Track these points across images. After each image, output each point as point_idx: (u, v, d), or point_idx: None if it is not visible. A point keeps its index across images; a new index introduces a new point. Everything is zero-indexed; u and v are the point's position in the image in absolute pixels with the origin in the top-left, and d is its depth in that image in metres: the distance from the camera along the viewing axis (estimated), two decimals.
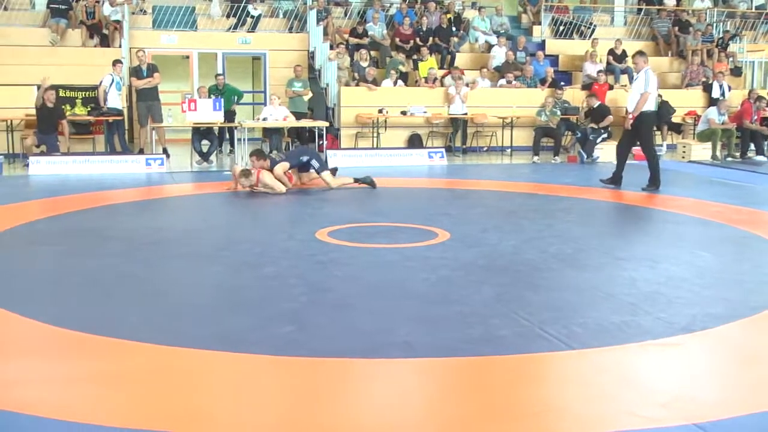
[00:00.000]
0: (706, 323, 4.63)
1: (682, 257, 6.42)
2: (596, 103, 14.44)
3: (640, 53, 10.76)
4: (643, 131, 10.49)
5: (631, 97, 10.60)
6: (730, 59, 19.07)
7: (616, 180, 10.69)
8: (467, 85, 15.73)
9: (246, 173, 9.81)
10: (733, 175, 12.47)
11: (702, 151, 14.76)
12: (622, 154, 10.82)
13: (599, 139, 14.20)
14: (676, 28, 19.44)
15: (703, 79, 17.74)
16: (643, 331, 4.48)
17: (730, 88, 17.15)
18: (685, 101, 17.11)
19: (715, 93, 16.78)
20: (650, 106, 10.48)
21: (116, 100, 13.82)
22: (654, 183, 10.45)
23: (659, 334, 4.44)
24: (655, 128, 16.61)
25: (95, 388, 3.70)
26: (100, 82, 13.75)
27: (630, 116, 10.42)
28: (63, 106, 13.49)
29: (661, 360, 4.10)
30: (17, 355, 4.14)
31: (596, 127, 14.24)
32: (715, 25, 20.54)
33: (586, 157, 14.08)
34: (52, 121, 12.86)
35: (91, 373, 3.87)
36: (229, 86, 15.02)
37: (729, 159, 14.88)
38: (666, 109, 15.41)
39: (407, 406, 3.53)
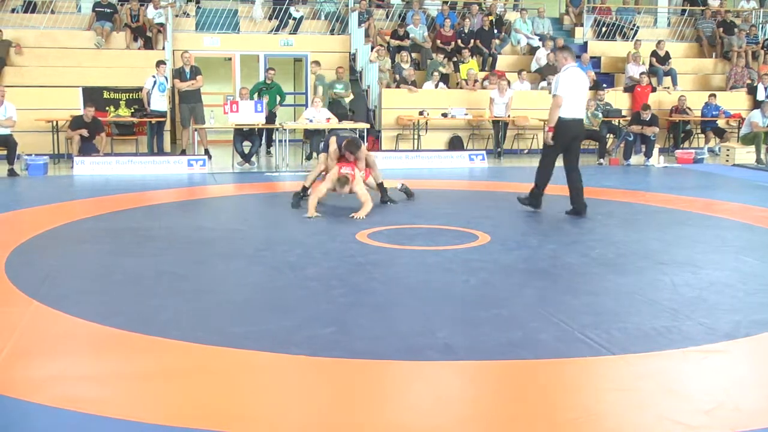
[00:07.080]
0: (750, 330, 4.57)
1: (726, 262, 6.34)
2: (650, 115, 14.39)
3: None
4: None
5: None
6: None
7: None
8: (509, 85, 15.65)
9: (343, 181, 8.54)
10: None
11: (746, 154, 14.53)
12: None
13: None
14: (721, 30, 19.17)
15: (748, 81, 17.47)
16: (684, 337, 4.43)
17: None
18: (730, 103, 16.87)
19: (760, 95, 16.53)
20: None
21: (159, 101, 13.99)
22: None
23: (701, 340, 4.40)
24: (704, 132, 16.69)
25: (136, 385, 3.76)
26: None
27: None
28: (107, 108, 13.68)
29: (704, 367, 4.06)
30: (60, 352, 4.21)
31: (637, 131, 14.26)
32: (760, 26, 20.23)
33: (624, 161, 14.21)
34: (90, 134, 13.06)
35: (132, 370, 3.93)
36: (278, 84, 15.13)
37: None
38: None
39: (446, 408, 3.53)
